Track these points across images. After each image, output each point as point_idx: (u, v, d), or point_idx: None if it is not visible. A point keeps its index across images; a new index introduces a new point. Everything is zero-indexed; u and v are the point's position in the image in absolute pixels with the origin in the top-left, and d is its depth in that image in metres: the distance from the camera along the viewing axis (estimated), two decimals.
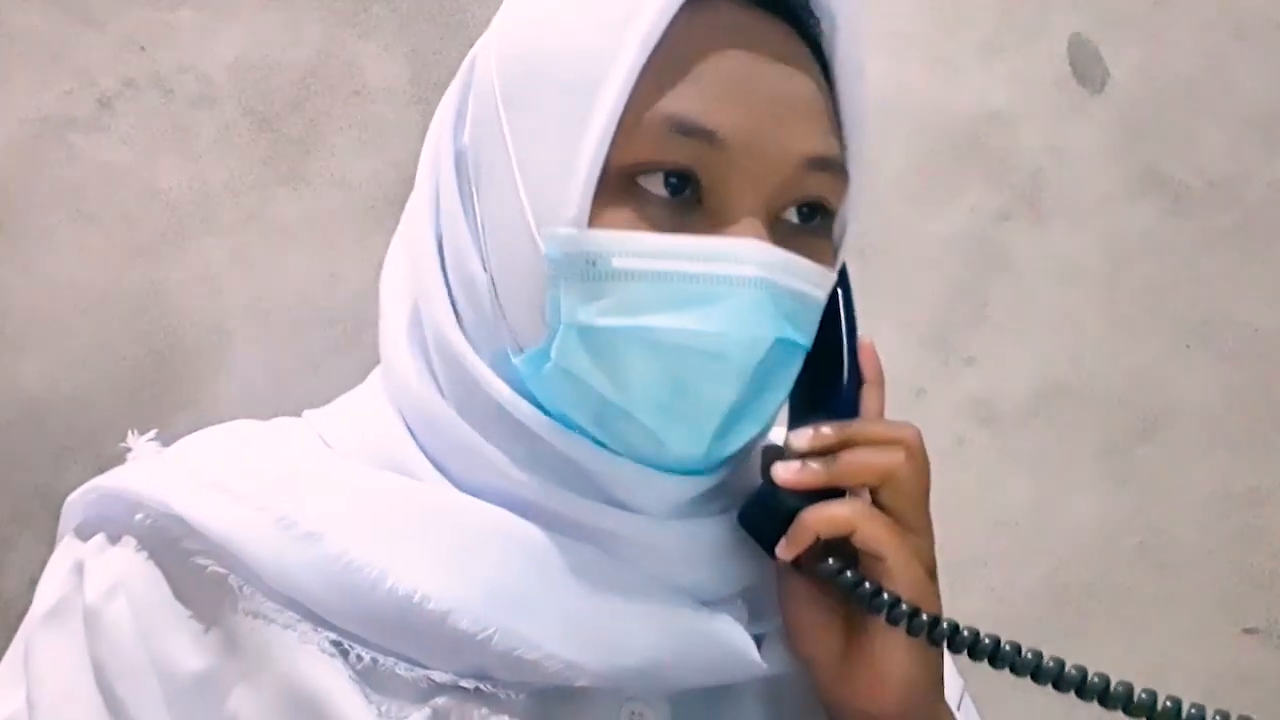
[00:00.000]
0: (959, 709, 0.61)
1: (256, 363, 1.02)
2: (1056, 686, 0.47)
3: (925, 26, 1.15)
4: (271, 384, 1.02)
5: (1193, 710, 0.44)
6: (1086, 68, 1.16)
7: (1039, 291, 1.15)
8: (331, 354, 1.02)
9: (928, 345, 1.14)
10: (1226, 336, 1.16)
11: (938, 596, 0.53)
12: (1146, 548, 1.15)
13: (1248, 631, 1.15)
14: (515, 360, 0.51)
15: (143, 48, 1.01)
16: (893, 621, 0.49)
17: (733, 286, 0.48)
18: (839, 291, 0.55)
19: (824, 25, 0.53)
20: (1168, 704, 0.45)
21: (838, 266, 0.55)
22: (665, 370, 0.48)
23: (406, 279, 0.57)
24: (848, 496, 0.52)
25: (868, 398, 0.54)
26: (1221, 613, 1.15)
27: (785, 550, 0.51)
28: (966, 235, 1.15)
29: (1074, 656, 0.48)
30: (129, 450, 0.57)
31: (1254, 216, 1.17)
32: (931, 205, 1.14)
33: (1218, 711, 0.44)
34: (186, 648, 0.51)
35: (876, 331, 1.12)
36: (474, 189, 0.54)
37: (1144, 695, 0.46)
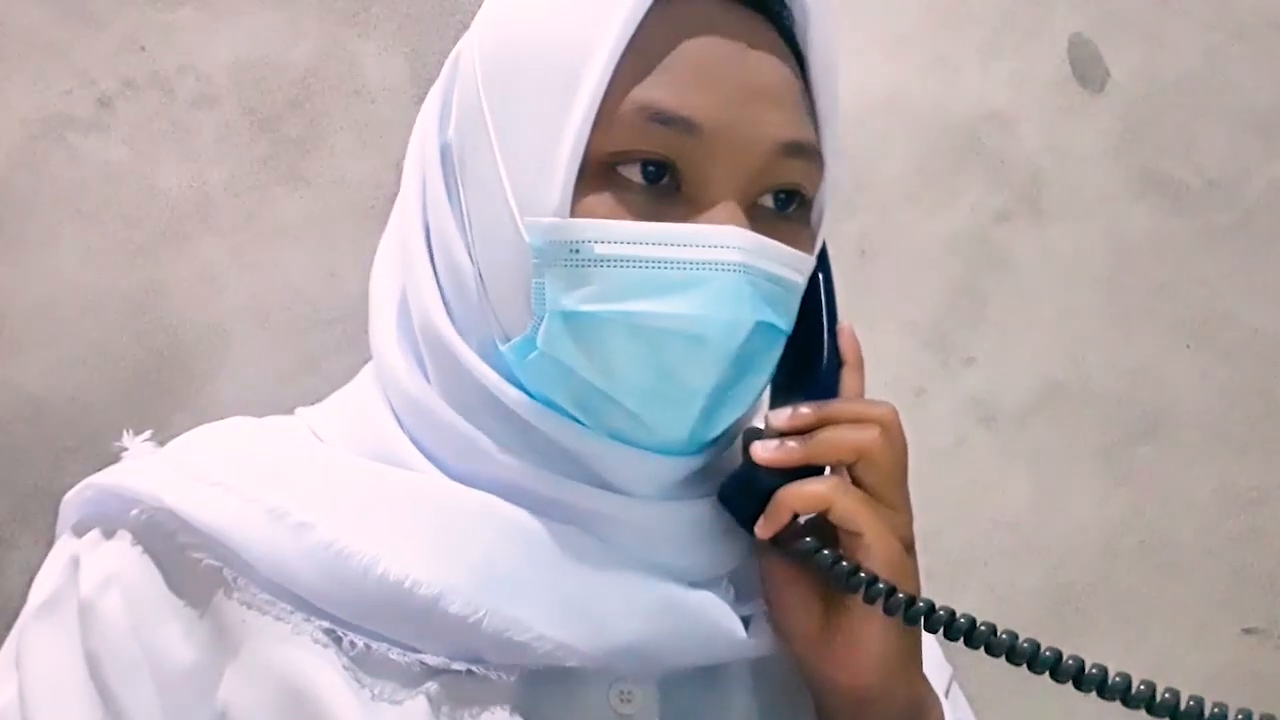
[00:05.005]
0: (946, 697, 0.61)
1: (256, 363, 1.02)
2: (1031, 668, 0.47)
3: (925, 26, 1.15)
4: (271, 384, 1.02)
5: (1167, 695, 0.45)
6: (1086, 68, 1.16)
7: (1039, 291, 1.15)
8: (331, 354, 1.02)
9: (928, 345, 1.14)
10: (1226, 336, 1.16)
11: (916, 573, 0.53)
12: (1146, 548, 1.15)
13: (1248, 631, 1.15)
14: (502, 349, 0.52)
15: (143, 48, 1.01)
16: (869, 600, 0.50)
17: (713, 271, 0.49)
18: (819, 275, 0.56)
19: (795, 15, 0.54)
20: (1141, 688, 0.45)
21: (816, 251, 0.56)
22: (648, 355, 0.49)
23: (396, 273, 0.58)
24: (826, 475, 0.53)
25: (847, 380, 0.55)
26: (1221, 613, 1.15)
27: (764, 529, 0.52)
28: (966, 235, 1.15)
29: None
30: (125, 450, 0.57)
31: (1254, 216, 1.17)
32: (931, 205, 1.14)
33: (1168, 689, 0.44)
34: (179, 639, 0.51)
35: (876, 331, 1.13)
36: (459, 181, 0.55)
37: (1118, 679, 0.46)
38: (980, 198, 1.15)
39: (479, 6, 0.57)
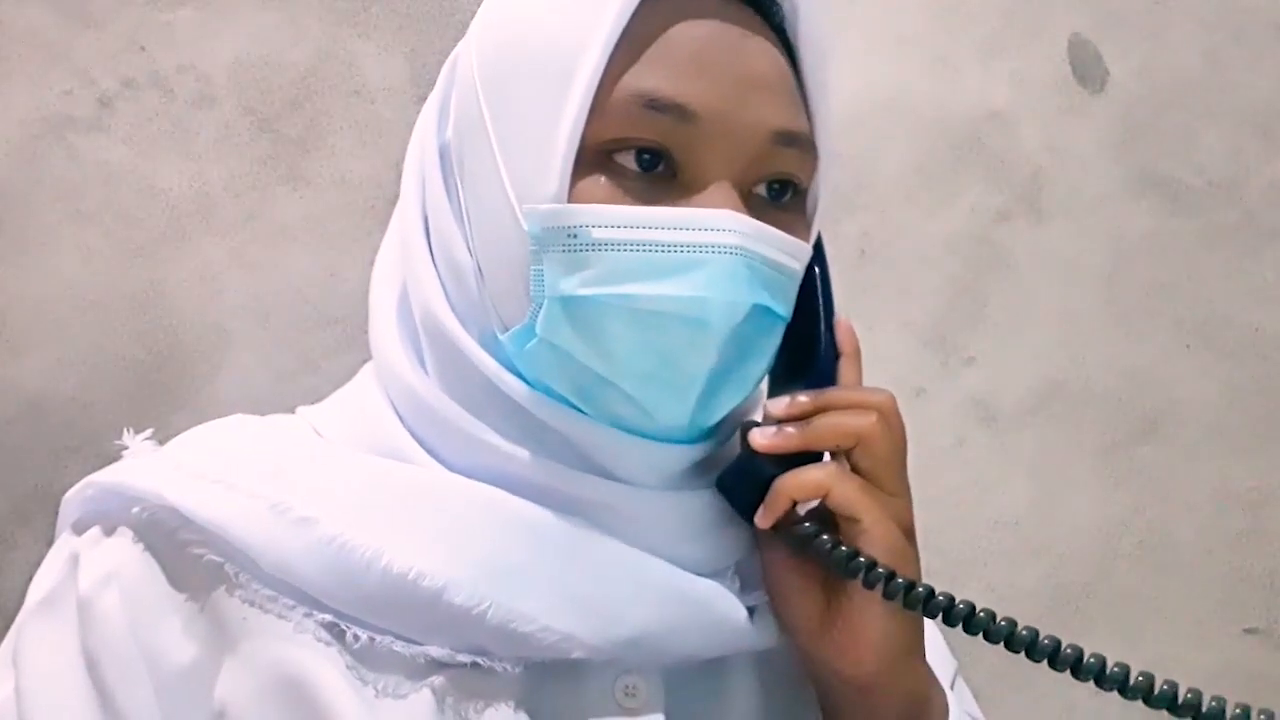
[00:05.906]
0: (951, 689, 0.61)
1: (256, 363, 1.02)
2: (1030, 655, 0.48)
3: (925, 26, 1.15)
4: (271, 384, 1.02)
5: (1165, 686, 0.45)
6: (1086, 68, 1.16)
7: (1039, 291, 1.15)
8: (331, 354, 1.02)
9: (928, 345, 1.14)
10: (1226, 336, 1.16)
11: (916, 558, 0.53)
12: (1146, 548, 1.15)
13: (1248, 631, 1.15)
14: (502, 338, 0.52)
15: (143, 48, 1.01)
16: (868, 585, 0.50)
17: (709, 253, 0.49)
18: (815, 269, 0.56)
19: (785, 10, 0.55)
20: (1139, 678, 0.45)
21: (812, 240, 0.56)
22: (646, 337, 0.49)
23: (396, 271, 0.58)
24: (825, 461, 0.53)
25: (845, 370, 0.56)
26: (1221, 613, 1.15)
27: (763, 518, 0.52)
28: (966, 235, 1.15)
29: None
30: (125, 449, 0.57)
31: (1254, 216, 1.17)
32: (931, 205, 1.14)
33: (1165, 681, 0.44)
34: (178, 637, 0.51)
35: (876, 331, 1.13)
36: (458, 179, 0.55)
37: (1116, 668, 0.46)
38: (980, 198, 1.15)
39: (479, 6, 0.58)
